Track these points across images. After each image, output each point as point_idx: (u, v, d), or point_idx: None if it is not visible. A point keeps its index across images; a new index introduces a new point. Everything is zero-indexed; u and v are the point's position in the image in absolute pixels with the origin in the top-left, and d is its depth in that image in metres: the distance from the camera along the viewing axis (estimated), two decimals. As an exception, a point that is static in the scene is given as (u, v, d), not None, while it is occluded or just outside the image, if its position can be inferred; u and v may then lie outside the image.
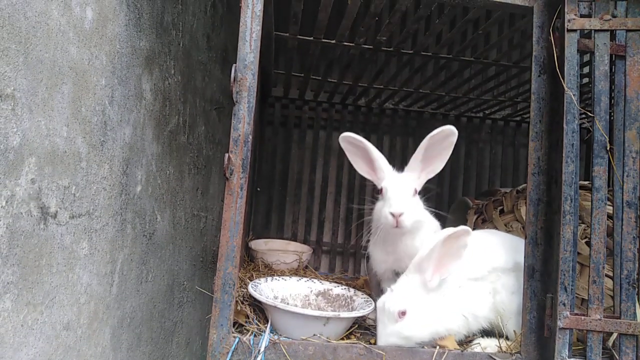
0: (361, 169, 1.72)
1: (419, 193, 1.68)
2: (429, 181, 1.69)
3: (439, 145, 1.60)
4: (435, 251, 1.47)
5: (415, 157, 1.62)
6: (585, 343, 1.39)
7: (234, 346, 1.37)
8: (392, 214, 1.53)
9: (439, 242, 1.47)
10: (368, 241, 1.79)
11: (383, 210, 1.57)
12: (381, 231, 1.61)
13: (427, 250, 1.48)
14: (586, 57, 2.05)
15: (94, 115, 1.32)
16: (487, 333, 1.59)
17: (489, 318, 1.57)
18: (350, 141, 1.67)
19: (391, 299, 1.48)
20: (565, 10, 1.46)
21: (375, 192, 1.73)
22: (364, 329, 1.72)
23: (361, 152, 1.69)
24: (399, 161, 1.74)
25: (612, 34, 1.48)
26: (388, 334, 1.45)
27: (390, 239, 1.63)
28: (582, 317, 1.36)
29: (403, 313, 1.45)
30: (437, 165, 1.64)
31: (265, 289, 1.76)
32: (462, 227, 1.47)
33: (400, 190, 1.58)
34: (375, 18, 1.82)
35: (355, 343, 1.46)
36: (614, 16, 1.45)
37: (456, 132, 1.58)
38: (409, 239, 1.63)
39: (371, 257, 1.75)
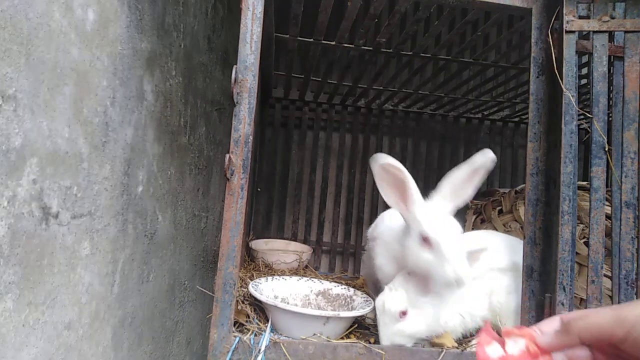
0: (389, 197, 1.52)
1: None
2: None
3: (477, 172, 1.46)
4: None
5: (450, 184, 1.47)
6: (583, 343, 1.40)
7: (234, 345, 1.37)
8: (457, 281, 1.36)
9: None
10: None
11: (443, 271, 1.36)
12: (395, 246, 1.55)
13: None
14: (584, 59, 2.05)
15: (95, 116, 1.32)
16: (486, 333, 1.60)
17: (485, 318, 1.58)
18: (387, 169, 1.47)
19: (391, 299, 1.48)
20: (564, 11, 1.47)
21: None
22: (363, 328, 1.72)
23: (393, 180, 1.49)
24: (399, 161, 1.72)
25: (611, 35, 1.49)
26: (392, 333, 1.46)
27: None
28: (581, 317, 1.37)
29: (404, 313, 1.46)
30: (468, 193, 1.49)
31: (266, 289, 1.77)
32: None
33: (458, 248, 1.39)
34: (374, 20, 1.83)
35: (355, 342, 1.46)
36: (612, 17, 1.46)
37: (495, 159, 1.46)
38: None
39: (378, 268, 1.69)
